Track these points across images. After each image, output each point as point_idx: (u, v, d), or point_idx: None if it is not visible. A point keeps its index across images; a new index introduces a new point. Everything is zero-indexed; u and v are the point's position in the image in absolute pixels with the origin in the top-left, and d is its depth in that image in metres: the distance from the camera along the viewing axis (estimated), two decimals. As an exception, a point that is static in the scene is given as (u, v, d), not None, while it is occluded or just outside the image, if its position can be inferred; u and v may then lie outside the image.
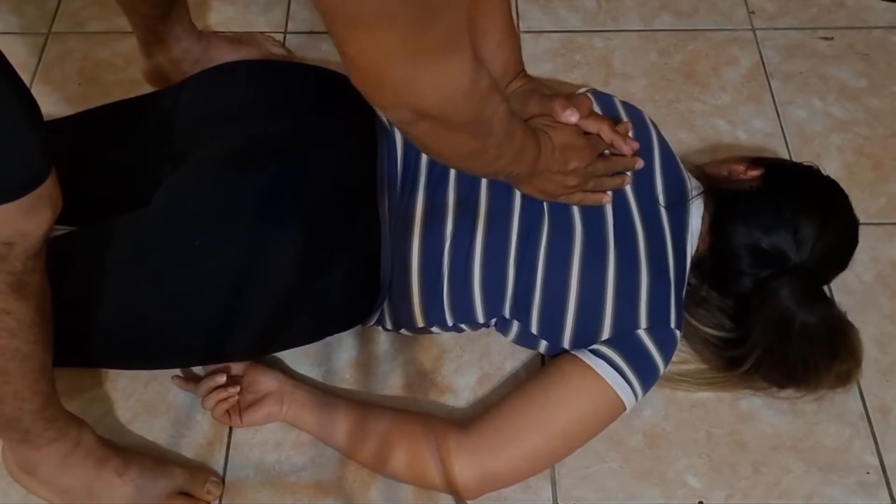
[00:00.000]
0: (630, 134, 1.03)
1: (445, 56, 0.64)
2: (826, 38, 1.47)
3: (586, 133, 0.97)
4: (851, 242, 1.05)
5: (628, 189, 1.01)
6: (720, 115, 1.36)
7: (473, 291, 0.98)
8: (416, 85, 0.64)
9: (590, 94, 1.14)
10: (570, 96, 0.98)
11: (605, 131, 0.97)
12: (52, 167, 0.71)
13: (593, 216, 0.99)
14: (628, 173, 1.01)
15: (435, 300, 0.99)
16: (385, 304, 1.00)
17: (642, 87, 1.39)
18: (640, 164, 1.01)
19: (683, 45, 1.46)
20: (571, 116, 0.94)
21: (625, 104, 1.11)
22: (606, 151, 1.00)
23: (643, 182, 1.02)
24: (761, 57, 1.44)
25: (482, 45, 0.97)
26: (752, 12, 1.50)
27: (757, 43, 1.46)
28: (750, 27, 1.48)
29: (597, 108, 1.05)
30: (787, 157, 1.31)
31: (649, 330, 0.97)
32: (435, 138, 0.74)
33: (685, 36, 1.47)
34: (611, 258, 0.97)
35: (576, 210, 0.99)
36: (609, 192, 0.99)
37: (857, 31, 1.48)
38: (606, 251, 0.97)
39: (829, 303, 1.01)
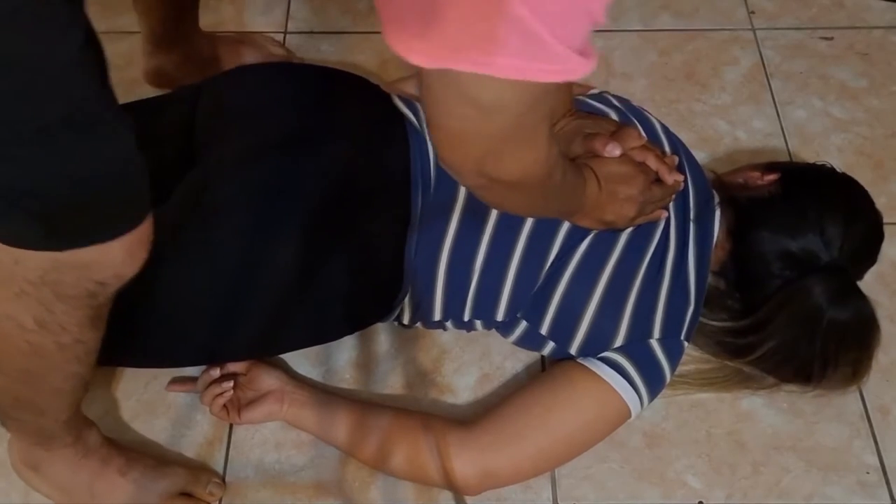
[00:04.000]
0: (676, 163, 1.02)
1: (533, 135, 0.66)
2: (826, 38, 1.47)
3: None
4: (877, 235, 1.06)
5: (671, 205, 1.01)
6: (720, 115, 1.36)
7: (503, 290, 0.97)
8: (501, 159, 0.66)
9: (607, 95, 1.14)
10: (615, 131, 0.97)
11: (650, 160, 0.96)
12: (152, 204, 0.70)
13: (640, 234, 0.98)
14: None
15: (459, 295, 0.98)
16: (406, 299, 1.00)
17: (642, 87, 1.39)
18: (681, 186, 1.00)
19: (683, 45, 1.46)
20: (615, 150, 0.92)
21: (643, 109, 1.11)
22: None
23: (679, 196, 1.02)
24: (761, 57, 1.44)
25: None
26: (752, 12, 1.50)
27: (757, 43, 1.46)
28: (750, 27, 1.48)
29: (613, 116, 1.04)
30: (787, 157, 1.31)
31: (661, 340, 0.97)
32: (503, 199, 0.77)
33: (685, 36, 1.47)
34: (640, 273, 0.97)
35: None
36: (664, 210, 0.98)
37: (857, 31, 1.48)
38: (639, 266, 0.97)
39: (864, 299, 1.00)
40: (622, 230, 0.97)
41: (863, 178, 1.27)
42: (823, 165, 1.08)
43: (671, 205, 1.01)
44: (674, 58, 1.44)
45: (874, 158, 1.31)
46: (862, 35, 1.47)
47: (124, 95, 1.22)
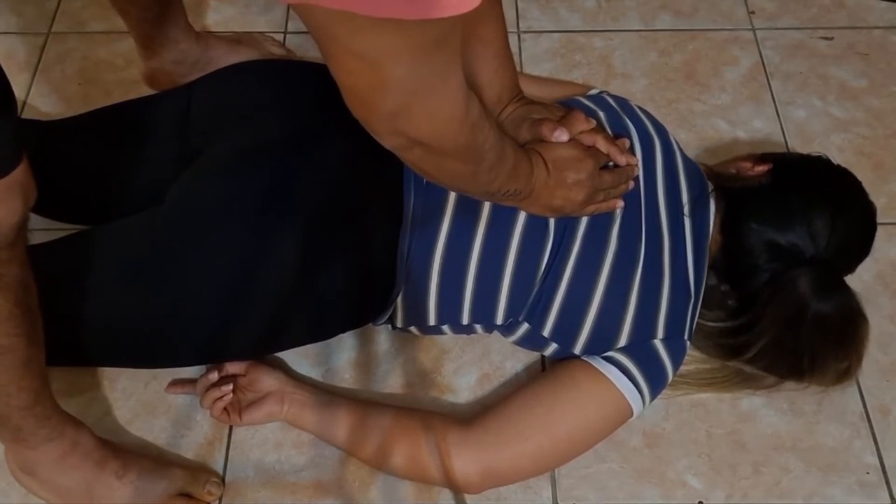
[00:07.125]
0: (627, 146, 1.01)
1: (439, 87, 0.65)
2: (826, 38, 1.47)
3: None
4: (869, 229, 1.05)
5: (661, 200, 1.00)
6: (720, 115, 1.36)
7: (501, 291, 0.97)
8: (410, 115, 0.66)
9: (605, 96, 1.13)
10: (562, 116, 0.96)
11: (600, 143, 0.96)
12: (22, 155, 0.70)
13: (629, 230, 0.98)
14: (640, 179, 1.00)
15: (454, 298, 0.98)
16: (399, 300, 1.00)
17: (642, 87, 1.39)
18: (637, 171, 0.99)
19: (683, 45, 1.46)
20: (562, 136, 0.92)
21: (642, 109, 1.10)
22: (610, 163, 0.97)
23: (672, 193, 1.02)
24: (761, 57, 1.44)
25: (479, 72, 0.96)
26: (752, 12, 1.50)
27: (757, 43, 1.46)
28: (750, 27, 1.48)
29: (602, 116, 1.04)
30: (787, 156, 1.31)
31: (665, 340, 0.97)
32: (429, 163, 0.76)
33: (685, 36, 1.47)
34: (638, 271, 0.96)
35: (616, 222, 0.98)
36: (620, 199, 0.97)
37: (857, 31, 1.48)
38: (636, 265, 0.96)
39: (848, 292, 1.00)
40: (574, 218, 0.96)
41: (863, 178, 1.27)
42: (819, 157, 1.07)
43: (662, 201, 1.01)
44: (674, 58, 1.44)
45: (874, 158, 1.31)
46: (862, 35, 1.47)
47: (124, 95, 1.23)
